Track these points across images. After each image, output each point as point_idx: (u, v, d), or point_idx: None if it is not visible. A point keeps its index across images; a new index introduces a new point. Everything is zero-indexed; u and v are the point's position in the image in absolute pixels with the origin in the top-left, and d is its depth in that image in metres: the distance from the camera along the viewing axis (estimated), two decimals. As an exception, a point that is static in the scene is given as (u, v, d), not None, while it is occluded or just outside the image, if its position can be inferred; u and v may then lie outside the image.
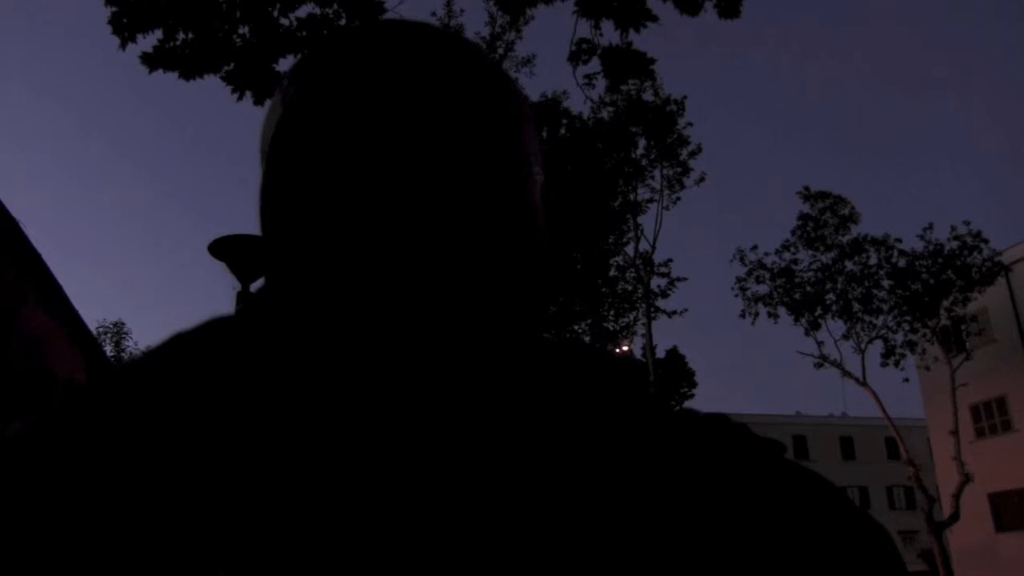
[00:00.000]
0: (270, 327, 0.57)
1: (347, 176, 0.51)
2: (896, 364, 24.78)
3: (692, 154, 24.88)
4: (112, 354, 30.80)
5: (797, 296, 24.94)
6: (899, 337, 24.74)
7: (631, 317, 24.54)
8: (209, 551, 0.49)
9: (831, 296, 24.86)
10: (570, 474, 0.54)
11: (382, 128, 0.51)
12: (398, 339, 0.50)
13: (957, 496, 22.51)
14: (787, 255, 25.32)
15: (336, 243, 0.50)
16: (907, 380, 26.03)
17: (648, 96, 23.13)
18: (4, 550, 0.50)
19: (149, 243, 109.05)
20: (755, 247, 25.75)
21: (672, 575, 0.53)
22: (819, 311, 24.94)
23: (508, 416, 0.55)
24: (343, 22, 6.79)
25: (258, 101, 6.77)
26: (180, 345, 0.60)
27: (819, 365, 25.26)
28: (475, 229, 0.51)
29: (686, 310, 25.08)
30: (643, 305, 24.12)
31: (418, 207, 0.50)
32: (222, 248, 7.30)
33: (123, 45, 6.19)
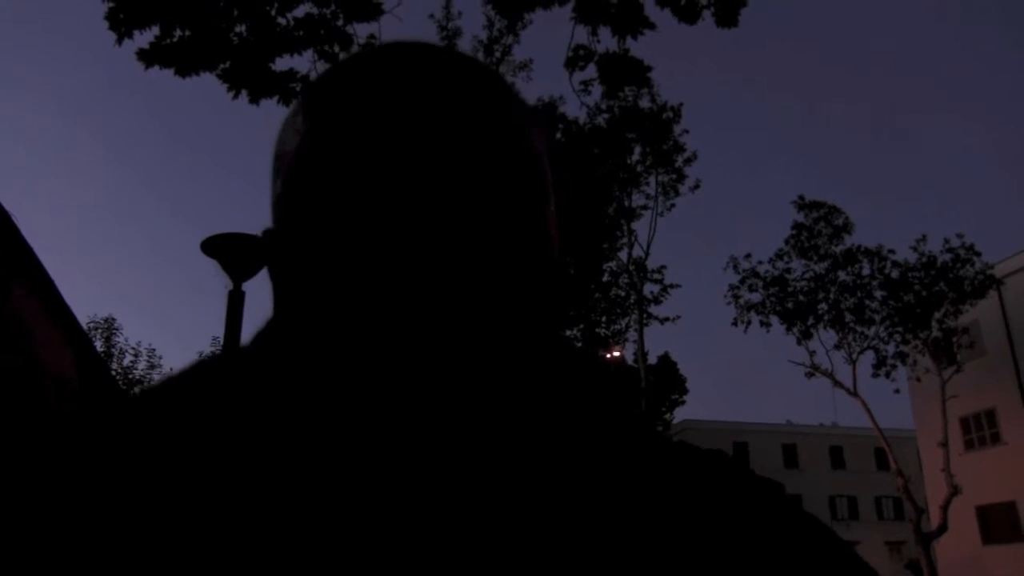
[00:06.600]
0: (288, 356, 0.57)
1: (373, 197, 0.51)
2: (887, 375, 24.83)
3: (687, 161, 24.94)
4: (102, 349, 30.69)
5: (790, 305, 24.97)
6: (890, 348, 24.82)
7: (623, 323, 24.58)
8: (210, 555, 0.49)
9: (823, 306, 24.90)
10: (563, 514, 0.53)
11: (408, 152, 0.51)
12: (410, 369, 0.51)
13: (945, 508, 22.55)
14: (780, 264, 25.38)
15: (360, 266, 0.51)
16: (898, 391, 26.15)
17: (644, 103, 23.18)
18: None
19: (141, 240, 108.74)
20: (748, 255, 25.82)
21: None
22: (811, 320, 24.98)
23: (504, 440, 0.54)
24: (340, 22, 6.78)
25: (254, 99, 6.75)
26: (200, 372, 0.61)
27: (810, 374, 25.28)
28: (495, 257, 0.52)
29: (679, 317, 25.24)
30: (635, 311, 24.14)
31: (441, 229, 0.50)
32: (214, 246, 7.28)
33: (119, 41, 6.17)
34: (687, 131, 27.89)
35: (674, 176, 24.93)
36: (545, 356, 0.59)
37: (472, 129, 0.53)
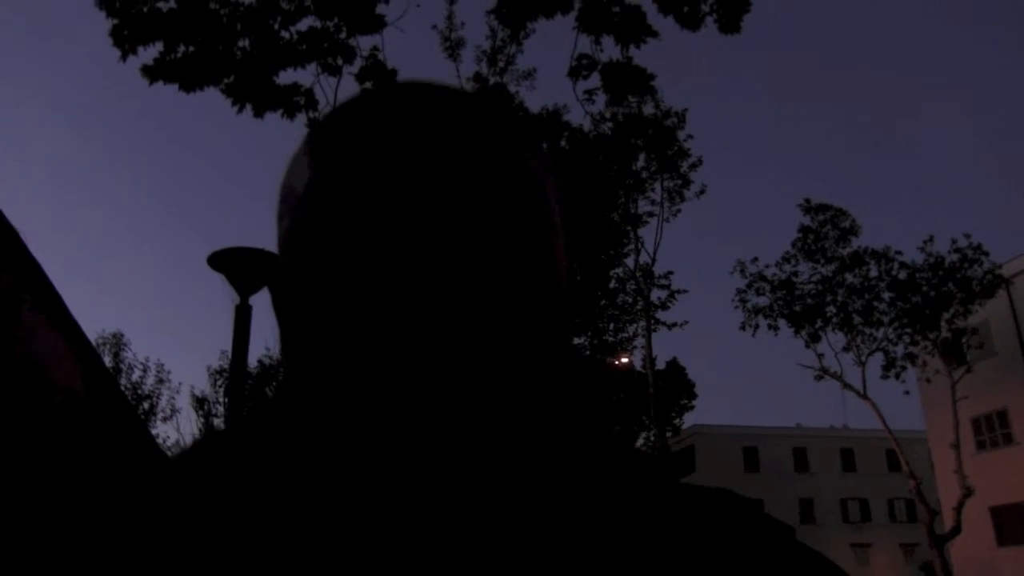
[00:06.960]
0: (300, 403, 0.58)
1: (379, 242, 0.52)
2: (897, 376, 24.75)
3: (693, 166, 24.98)
4: (111, 365, 30.79)
5: (797, 308, 24.91)
6: (900, 349, 24.74)
7: (631, 329, 24.58)
8: None
9: (831, 308, 24.83)
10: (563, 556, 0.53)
11: (413, 194, 0.52)
12: (415, 421, 0.51)
13: (958, 509, 22.44)
14: (787, 267, 25.32)
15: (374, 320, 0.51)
16: (908, 393, 26.09)
17: (649, 109, 23.22)
18: None
19: (148, 255, 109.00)
20: (755, 259, 25.72)
21: None
22: (819, 323, 24.91)
23: (501, 484, 0.54)
24: (343, 35, 6.80)
25: (258, 113, 6.78)
26: (214, 443, 0.62)
27: (819, 377, 25.21)
28: (499, 303, 0.52)
29: (686, 322, 25.15)
30: (643, 317, 24.13)
31: (448, 273, 0.51)
32: (221, 260, 7.29)
33: (124, 57, 6.20)
34: (691, 136, 27.94)
35: (679, 182, 24.99)
36: (548, 400, 0.58)
37: (477, 171, 0.54)
